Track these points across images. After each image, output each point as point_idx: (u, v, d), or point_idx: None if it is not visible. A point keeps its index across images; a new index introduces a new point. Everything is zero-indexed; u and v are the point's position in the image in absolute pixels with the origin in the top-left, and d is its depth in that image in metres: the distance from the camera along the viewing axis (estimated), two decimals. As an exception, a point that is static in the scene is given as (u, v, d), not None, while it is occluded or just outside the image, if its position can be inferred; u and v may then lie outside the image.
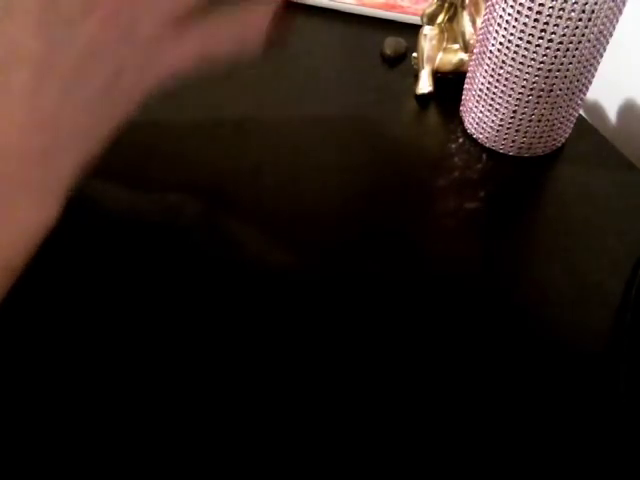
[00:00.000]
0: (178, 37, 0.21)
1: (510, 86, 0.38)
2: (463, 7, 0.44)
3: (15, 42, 0.18)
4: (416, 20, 0.51)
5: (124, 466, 0.25)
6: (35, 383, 0.27)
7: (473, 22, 0.44)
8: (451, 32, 0.46)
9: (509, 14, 0.36)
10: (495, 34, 0.37)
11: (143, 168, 0.38)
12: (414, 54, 0.48)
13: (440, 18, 0.45)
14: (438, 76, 0.47)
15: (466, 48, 0.45)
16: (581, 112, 0.46)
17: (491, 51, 0.38)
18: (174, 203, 0.36)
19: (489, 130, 0.42)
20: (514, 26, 0.36)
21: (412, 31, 0.49)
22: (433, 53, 0.46)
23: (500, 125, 0.41)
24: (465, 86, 0.44)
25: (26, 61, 0.18)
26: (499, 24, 0.37)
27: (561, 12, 0.34)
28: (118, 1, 0.19)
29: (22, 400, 0.27)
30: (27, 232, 0.20)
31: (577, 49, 0.36)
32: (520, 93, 0.38)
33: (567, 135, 0.43)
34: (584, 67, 0.37)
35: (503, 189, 0.40)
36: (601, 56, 0.38)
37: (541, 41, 0.36)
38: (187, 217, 0.35)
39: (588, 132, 0.45)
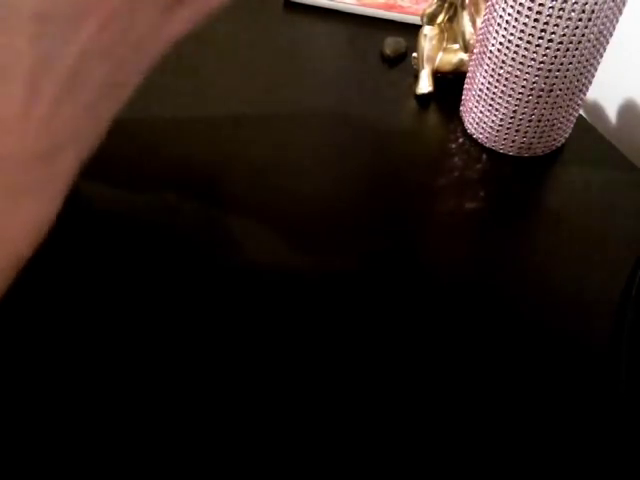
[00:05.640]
0: (170, 19, 0.21)
1: (510, 86, 0.38)
2: (463, 7, 0.44)
3: (10, 51, 0.18)
4: (416, 20, 0.51)
5: (124, 466, 0.25)
6: (32, 381, 0.27)
7: (473, 22, 0.44)
8: (451, 32, 0.46)
9: (509, 14, 0.36)
10: (495, 34, 0.37)
11: (140, 168, 0.38)
12: (414, 54, 0.48)
13: (440, 18, 0.45)
14: (438, 76, 0.47)
15: (466, 48, 0.45)
16: (581, 112, 0.46)
17: (491, 51, 0.38)
18: (172, 203, 0.36)
19: (489, 130, 0.42)
20: (514, 26, 0.36)
21: (412, 31, 0.49)
22: (433, 53, 0.46)
23: (500, 125, 0.41)
24: (465, 86, 0.44)
25: (22, 70, 0.18)
26: (499, 24, 0.37)
27: (561, 12, 0.34)
28: (114, 2, 0.19)
29: (20, 399, 0.26)
30: (31, 227, 0.21)
31: (577, 49, 0.36)
32: (520, 93, 0.38)
33: (567, 135, 0.43)
34: (584, 67, 0.37)
35: (503, 189, 0.40)
36: (601, 56, 0.38)
37: (541, 41, 0.36)
38: (184, 216, 0.35)
39: (588, 132, 0.45)
